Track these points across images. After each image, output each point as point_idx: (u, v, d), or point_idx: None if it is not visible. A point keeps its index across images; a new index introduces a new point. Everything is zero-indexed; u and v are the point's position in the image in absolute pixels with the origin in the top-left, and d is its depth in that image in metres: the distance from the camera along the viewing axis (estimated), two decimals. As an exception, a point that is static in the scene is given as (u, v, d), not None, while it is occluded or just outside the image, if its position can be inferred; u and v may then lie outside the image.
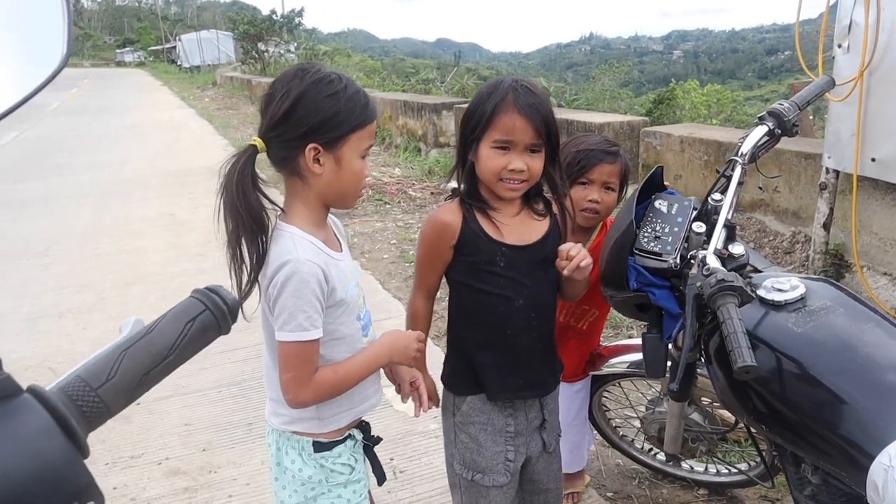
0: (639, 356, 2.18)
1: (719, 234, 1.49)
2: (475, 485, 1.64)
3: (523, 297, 1.56)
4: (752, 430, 1.79)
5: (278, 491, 1.50)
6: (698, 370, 1.74)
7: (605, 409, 2.48)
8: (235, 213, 1.29)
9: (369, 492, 1.59)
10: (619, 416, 2.54)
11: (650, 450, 2.48)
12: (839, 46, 3.49)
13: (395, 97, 10.51)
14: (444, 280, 1.64)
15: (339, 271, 1.38)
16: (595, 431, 2.50)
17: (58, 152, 10.61)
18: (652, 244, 1.57)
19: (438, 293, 1.68)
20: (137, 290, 4.57)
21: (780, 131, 1.72)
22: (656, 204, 1.65)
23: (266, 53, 24.24)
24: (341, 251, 1.46)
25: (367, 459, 1.56)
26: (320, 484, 1.46)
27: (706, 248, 1.47)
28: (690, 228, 1.56)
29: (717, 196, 1.59)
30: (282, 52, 24.84)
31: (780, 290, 1.43)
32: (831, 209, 3.76)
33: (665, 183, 1.75)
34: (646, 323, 1.67)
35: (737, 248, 1.50)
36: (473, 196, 1.57)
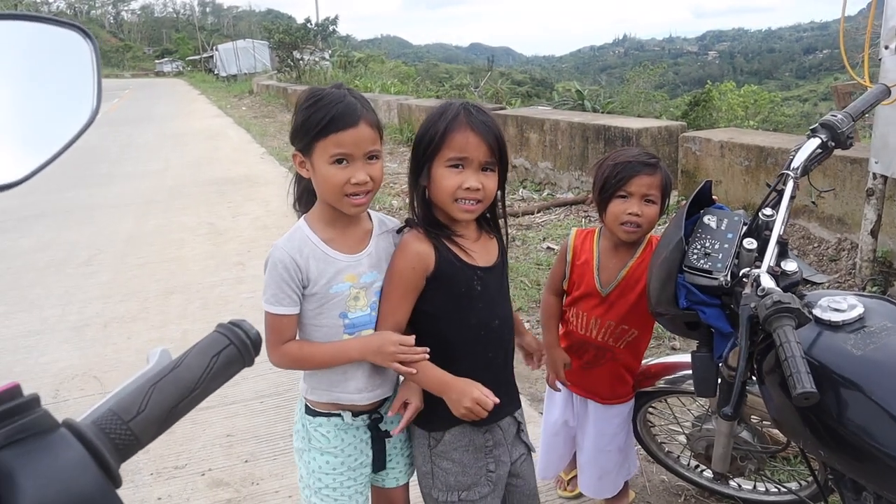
0: (685, 372, 2.14)
1: (772, 251, 1.45)
2: (462, 502, 1.62)
3: (499, 317, 1.60)
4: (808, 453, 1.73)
5: (294, 433, 1.72)
6: (748, 387, 1.70)
7: (649, 424, 2.43)
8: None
9: (406, 487, 1.76)
10: (664, 432, 2.49)
11: (696, 466, 2.43)
12: (886, 48, 3.40)
13: (430, 104, 10.53)
14: None
15: (326, 266, 1.48)
16: (639, 447, 2.46)
17: (101, 162, 10.84)
18: (702, 261, 1.52)
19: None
20: (178, 300, 4.63)
21: (833, 143, 1.66)
22: (705, 219, 1.60)
23: (301, 61, 24.53)
24: (355, 253, 1.52)
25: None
26: (303, 441, 1.64)
27: (758, 266, 1.43)
28: (741, 245, 1.51)
29: (768, 211, 1.54)
30: (317, 59, 25.10)
31: (837, 311, 1.38)
32: (879, 215, 3.66)
33: (714, 197, 1.71)
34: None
35: (790, 265, 1.44)
36: (433, 224, 1.54)
